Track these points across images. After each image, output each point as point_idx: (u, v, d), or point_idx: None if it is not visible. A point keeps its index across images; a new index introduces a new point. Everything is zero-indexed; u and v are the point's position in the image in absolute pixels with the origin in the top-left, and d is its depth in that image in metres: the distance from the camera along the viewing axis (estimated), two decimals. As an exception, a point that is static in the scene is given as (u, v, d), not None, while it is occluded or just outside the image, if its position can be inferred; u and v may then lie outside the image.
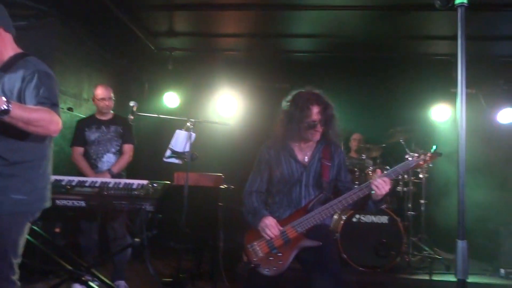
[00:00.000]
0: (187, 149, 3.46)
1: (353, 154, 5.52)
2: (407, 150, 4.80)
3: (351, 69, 5.81)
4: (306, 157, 2.53)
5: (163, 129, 4.31)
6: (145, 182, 3.32)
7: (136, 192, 3.19)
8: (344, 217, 4.35)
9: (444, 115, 5.82)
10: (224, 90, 5.89)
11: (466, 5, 1.41)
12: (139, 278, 4.33)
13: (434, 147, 2.51)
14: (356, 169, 4.86)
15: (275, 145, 2.54)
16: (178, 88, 5.99)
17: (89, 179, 3.38)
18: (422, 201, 4.91)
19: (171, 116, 3.74)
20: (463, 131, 1.45)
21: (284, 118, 2.47)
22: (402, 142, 4.87)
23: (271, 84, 6.19)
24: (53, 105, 1.95)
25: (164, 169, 3.96)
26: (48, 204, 2.15)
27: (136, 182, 3.32)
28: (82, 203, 3.13)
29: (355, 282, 4.04)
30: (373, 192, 2.28)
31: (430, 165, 2.51)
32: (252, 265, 2.32)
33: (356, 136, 5.63)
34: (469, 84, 5.80)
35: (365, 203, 2.39)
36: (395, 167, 2.41)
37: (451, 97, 5.84)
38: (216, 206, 4.09)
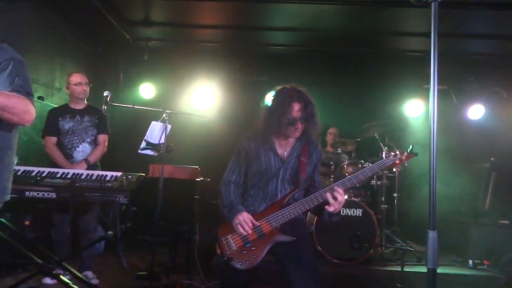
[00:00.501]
0: (163, 141, 3.41)
1: (329, 148, 5.58)
2: (381, 144, 4.90)
3: (328, 64, 5.86)
4: (285, 153, 2.53)
5: (138, 120, 4.25)
6: (118, 173, 3.26)
7: (109, 184, 3.14)
8: (319, 210, 4.40)
9: (417, 111, 5.95)
10: (201, 82, 5.84)
11: (439, 0, 1.43)
12: (112, 271, 4.27)
13: (410, 146, 2.53)
14: (331, 163, 4.91)
15: (256, 138, 2.53)
16: (154, 79, 5.89)
17: (60, 170, 3.30)
18: (395, 195, 5.01)
19: (146, 107, 3.67)
20: (434, 126, 1.47)
21: (265, 113, 2.47)
22: (377, 137, 4.95)
23: (249, 77, 6.18)
24: (28, 95, 1.89)
25: (139, 161, 3.90)
26: (8, 197, 2.06)
27: (109, 173, 3.26)
28: (53, 195, 3.05)
29: (330, 274, 4.11)
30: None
31: (406, 164, 2.61)
32: (225, 259, 2.31)
33: (332, 131, 5.70)
34: (441, 80, 5.95)
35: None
36: (372, 165, 2.46)
37: (424, 93, 5.98)
38: (192, 199, 4.06)
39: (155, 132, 3.38)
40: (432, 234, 1.42)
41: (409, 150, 2.51)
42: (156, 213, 3.28)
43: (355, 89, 5.98)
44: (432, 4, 1.43)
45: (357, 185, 3.19)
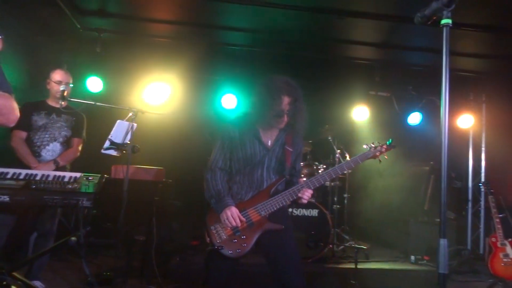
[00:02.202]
0: (127, 140, 3.25)
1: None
2: (335, 147, 5.12)
3: (283, 67, 5.95)
4: (270, 141, 2.53)
5: (94, 118, 3.98)
6: (78, 174, 3.05)
7: (70, 186, 2.93)
8: (277, 211, 4.49)
9: (363, 115, 6.28)
10: (154, 78, 5.63)
11: (451, 25, 1.54)
12: (59, 277, 3.99)
13: (390, 140, 2.62)
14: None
15: (240, 125, 2.53)
16: (103, 72, 5.56)
17: (11, 170, 3.00)
18: (345, 195, 5.27)
19: (105, 103, 3.45)
20: (445, 138, 1.58)
21: (255, 101, 2.48)
22: (330, 139, 5.16)
23: (203, 75, 6.08)
24: (10, 92, 1.70)
25: (98, 161, 3.67)
26: None
27: (67, 174, 3.04)
28: (6, 198, 2.77)
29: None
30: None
31: (385, 157, 2.63)
32: (216, 247, 2.33)
33: None
34: (384, 88, 6.31)
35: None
36: (355, 157, 2.58)
37: (370, 98, 6.34)
38: (152, 200, 3.91)
39: (120, 131, 3.21)
40: (442, 242, 1.53)
41: (388, 143, 2.62)
42: (120, 216, 3.12)
43: (308, 92, 6.12)
44: (444, 29, 1.54)
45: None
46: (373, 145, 2.60)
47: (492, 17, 4.61)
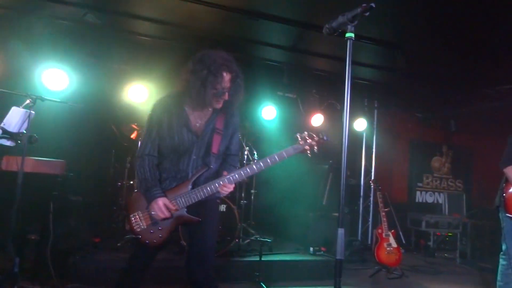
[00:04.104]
0: (23, 129, 2.97)
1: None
2: (244, 144, 5.27)
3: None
4: (200, 125, 2.39)
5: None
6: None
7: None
8: (186, 206, 4.48)
9: (271, 115, 6.54)
10: (52, 63, 5.17)
11: (353, 39, 1.72)
12: None
13: (322, 133, 2.47)
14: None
15: (169, 108, 2.36)
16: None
17: None
18: (252, 191, 5.46)
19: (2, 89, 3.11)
20: (346, 140, 1.75)
21: (192, 80, 2.25)
22: (240, 137, 5.29)
23: (109, 63, 5.78)
24: None
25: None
26: None
27: None
28: None
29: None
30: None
31: (315, 151, 2.47)
32: (134, 236, 2.35)
33: None
34: (290, 90, 6.65)
35: None
36: (281, 151, 2.39)
37: (278, 99, 6.64)
38: (50, 196, 3.62)
39: (15, 119, 2.92)
40: (340, 231, 1.70)
41: (320, 136, 2.46)
42: (12, 213, 2.85)
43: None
44: (348, 42, 1.71)
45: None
46: (304, 136, 2.42)
47: (386, 34, 5.17)
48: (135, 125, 5.14)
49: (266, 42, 5.71)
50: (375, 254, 5.20)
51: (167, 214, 2.27)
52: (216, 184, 2.31)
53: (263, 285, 4.12)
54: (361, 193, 7.45)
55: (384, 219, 5.33)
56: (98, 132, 5.53)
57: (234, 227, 4.62)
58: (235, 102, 2.40)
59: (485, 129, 8.14)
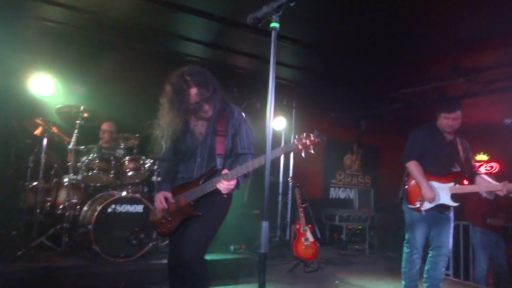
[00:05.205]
0: None
1: (105, 145, 5.28)
2: (163, 142, 5.04)
3: (108, 54, 5.56)
4: (202, 132, 2.60)
5: None
6: None
7: None
8: (98, 208, 4.16)
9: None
10: None
11: (277, 29, 1.69)
12: None
13: (315, 131, 2.33)
14: (112, 159, 4.74)
15: (177, 123, 2.55)
16: None
17: None
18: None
19: None
20: (269, 139, 1.72)
21: (167, 106, 2.49)
22: (159, 134, 5.06)
23: (9, 51, 5.16)
24: None
25: None
26: None
27: None
28: None
29: (107, 274, 3.94)
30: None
31: (311, 151, 2.32)
32: (151, 224, 2.78)
33: (105, 127, 5.32)
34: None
35: None
36: (275, 149, 2.30)
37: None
38: None
39: None
40: (264, 224, 1.66)
41: (315, 135, 2.33)
42: None
43: (136, 86, 5.87)
44: (273, 32, 1.67)
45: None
46: (298, 137, 2.33)
47: (305, 34, 5.33)
48: (40, 119, 4.63)
49: (185, 36, 5.57)
50: (294, 249, 5.34)
51: (162, 204, 2.60)
52: (214, 182, 2.46)
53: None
54: (280, 190, 7.62)
55: (302, 214, 5.50)
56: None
57: (151, 228, 4.39)
58: (220, 104, 2.53)
59: (390, 129, 8.83)
